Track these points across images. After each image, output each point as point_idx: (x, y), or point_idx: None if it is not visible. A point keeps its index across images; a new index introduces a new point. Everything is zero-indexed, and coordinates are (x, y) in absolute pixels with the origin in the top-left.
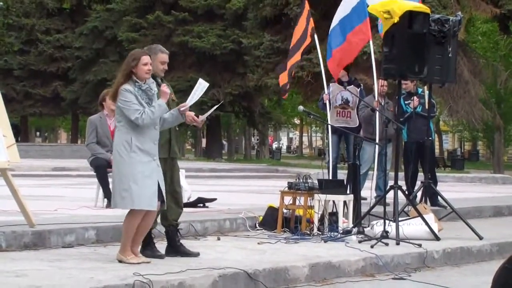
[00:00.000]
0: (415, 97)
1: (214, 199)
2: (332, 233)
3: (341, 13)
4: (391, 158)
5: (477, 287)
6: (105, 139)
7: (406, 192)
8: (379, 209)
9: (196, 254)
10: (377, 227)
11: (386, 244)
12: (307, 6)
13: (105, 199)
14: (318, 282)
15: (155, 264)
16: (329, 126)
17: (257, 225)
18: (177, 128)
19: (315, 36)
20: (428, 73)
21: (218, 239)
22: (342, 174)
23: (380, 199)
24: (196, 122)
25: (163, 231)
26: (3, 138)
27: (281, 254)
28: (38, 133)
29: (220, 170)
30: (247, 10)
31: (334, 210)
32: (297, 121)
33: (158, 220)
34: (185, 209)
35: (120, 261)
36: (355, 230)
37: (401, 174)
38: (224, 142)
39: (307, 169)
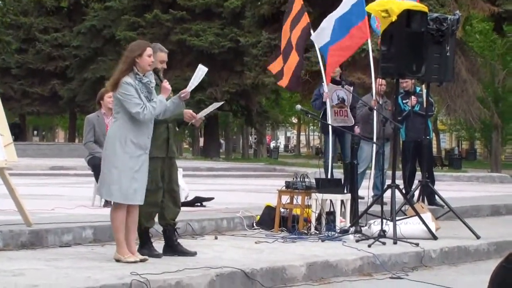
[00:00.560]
0: (412, 96)
1: (212, 198)
2: (330, 232)
3: (339, 10)
4: (389, 157)
5: (475, 286)
6: (103, 138)
7: (404, 191)
8: (376, 208)
9: (193, 254)
10: (375, 226)
11: (384, 243)
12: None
13: (102, 199)
14: (315, 281)
15: (152, 263)
16: (330, 126)
17: (254, 224)
18: (177, 129)
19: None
20: (426, 72)
21: (216, 238)
22: (339, 174)
23: (378, 198)
24: (194, 119)
25: (161, 230)
26: (1, 137)
27: (279, 253)
28: (35, 132)
29: (217, 169)
30: (244, 9)
31: (332, 209)
32: (294, 120)
33: (156, 219)
34: (182, 208)
35: (117, 260)
36: (352, 229)
37: (399, 173)
38: (222, 141)
39: (305, 168)
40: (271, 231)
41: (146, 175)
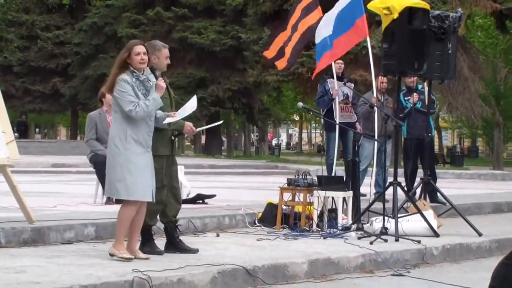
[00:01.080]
0: (414, 93)
1: (213, 196)
2: (331, 229)
3: (338, 7)
4: (391, 155)
5: (476, 283)
6: (105, 136)
7: (405, 189)
8: (378, 205)
9: (195, 251)
10: (376, 224)
11: (385, 241)
12: None
13: (105, 196)
14: (317, 278)
15: (154, 260)
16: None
17: (256, 221)
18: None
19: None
20: (428, 70)
21: (217, 235)
22: (341, 171)
23: (380, 196)
24: (192, 132)
25: (162, 227)
26: (3, 135)
27: (280, 250)
28: (37, 130)
29: (219, 166)
30: (246, 6)
31: (333, 207)
32: (296, 117)
33: (158, 217)
34: (184, 206)
35: (112, 255)
36: (354, 226)
37: (401, 171)
38: (224, 139)
39: (307, 165)
40: (273, 228)
41: (151, 174)
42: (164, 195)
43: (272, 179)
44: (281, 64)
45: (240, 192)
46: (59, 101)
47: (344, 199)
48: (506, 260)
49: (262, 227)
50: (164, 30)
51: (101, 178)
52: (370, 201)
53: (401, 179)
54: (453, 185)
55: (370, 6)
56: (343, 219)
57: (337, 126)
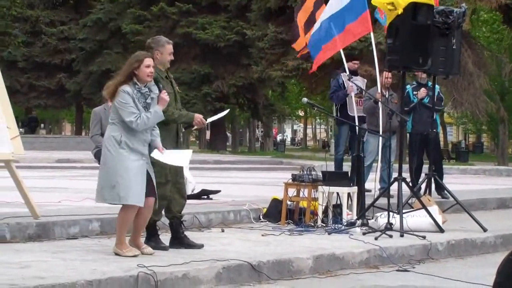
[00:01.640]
0: (422, 89)
1: (218, 191)
2: (336, 225)
3: (335, 6)
4: (395, 150)
5: (481, 279)
6: None
7: (410, 184)
8: (383, 201)
9: (200, 246)
10: (381, 219)
11: (390, 236)
12: None
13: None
14: (322, 274)
15: (159, 255)
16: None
17: (261, 217)
18: (183, 130)
19: None
20: (432, 65)
21: (222, 231)
22: (346, 166)
23: (384, 191)
24: (202, 124)
25: (167, 223)
26: (7, 130)
27: (285, 246)
28: (42, 125)
29: (224, 162)
30: (251, 2)
31: (338, 202)
32: (301, 113)
33: (163, 212)
34: (189, 201)
35: (116, 254)
36: (359, 222)
37: (405, 166)
38: (228, 134)
39: (311, 161)
40: (278, 224)
41: (144, 179)
42: (168, 190)
43: (277, 174)
44: (298, 45)
45: (245, 188)
46: (64, 96)
47: (349, 194)
48: (511, 255)
49: (267, 222)
50: (168, 26)
51: None
52: (375, 197)
53: (406, 175)
54: (458, 180)
55: (374, 1)
56: (348, 214)
57: (348, 118)
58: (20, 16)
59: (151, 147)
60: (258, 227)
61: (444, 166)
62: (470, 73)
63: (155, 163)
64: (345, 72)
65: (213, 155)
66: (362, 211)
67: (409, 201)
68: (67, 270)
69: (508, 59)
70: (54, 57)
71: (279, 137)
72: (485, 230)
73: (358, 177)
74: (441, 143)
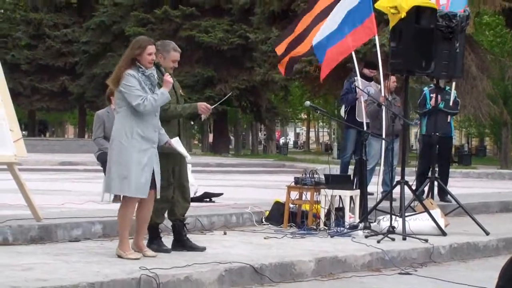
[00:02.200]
0: (434, 95)
1: (221, 194)
2: (339, 228)
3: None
4: (398, 154)
5: (484, 282)
6: None
7: (416, 185)
8: (385, 204)
9: (203, 249)
10: (384, 222)
11: (393, 239)
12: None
13: (111, 194)
14: (324, 276)
15: (161, 258)
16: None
17: (263, 220)
18: (192, 123)
19: None
20: (435, 69)
21: (225, 233)
22: (349, 170)
23: (387, 194)
24: (208, 110)
25: (170, 225)
26: (10, 132)
27: (288, 248)
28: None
29: (227, 165)
30: (254, 5)
31: (341, 205)
32: (304, 116)
33: (166, 214)
34: (191, 204)
35: (119, 256)
36: (361, 225)
37: (408, 169)
38: (231, 137)
39: (314, 164)
40: (280, 227)
41: (151, 170)
42: (171, 193)
43: (280, 177)
44: (280, 67)
45: (247, 191)
46: (67, 99)
47: (351, 197)
48: None
49: (269, 225)
50: (171, 29)
51: None
52: (378, 200)
53: (409, 178)
54: (460, 184)
55: (377, 5)
56: (350, 217)
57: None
58: (23, 19)
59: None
60: (261, 230)
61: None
62: (473, 77)
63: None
64: (359, 76)
65: (216, 158)
66: (365, 214)
67: (412, 205)
68: (69, 273)
69: (511, 62)
70: (57, 60)
71: (281, 140)
72: (487, 233)
73: (360, 180)
74: None
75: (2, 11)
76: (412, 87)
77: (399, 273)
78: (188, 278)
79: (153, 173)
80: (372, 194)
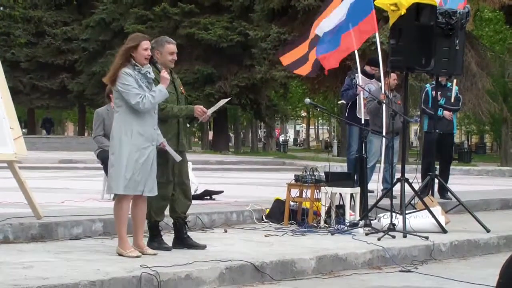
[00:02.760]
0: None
1: (221, 192)
2: (339, 225)
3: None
4: (398, 151)
5: (484, 279)
6: None
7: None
8: (386, 201)
9: (203, 247)
10: (384, 220)
11: (393, 237)
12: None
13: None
14: (325, 274)
15: (162, 256)
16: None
17: (264, 217)
18: (188, 125)
19: None
20: (435, 66)
21: (225, 231)
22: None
23: (387, 192)
24: (205, 114)
25: (171, 223)
26: (10, 130)
27: (288, 246)
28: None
29: (227, 162)
30: (254, 2)
31: (341, 203)
32: (303, 113)
33: (166, 212)
34: (192, 202)
35: (120, 255)
36: (362, 222)
37: (408, 167)
38: (231, 135)
39: (314, 161)
40: (281, 224)
41: (153, 167)
42: (170, 191)
43: (280, 175)
44: (304, 70)
45: (247, 188)
46: (67, 97)
47: (351, 195)
48: None
49: (270, 223)
50: (171, 26)
51: None
52: (378, 198)
53: (409, 175)
54: (461, 181)
55: (377, 2)
56: (351, 215)
57: (360, 120)
58: (23, 17)
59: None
60: (261, 228)
61: None
62: (473, 74)
63: (158, 162)
64: (360, 72)
65: (216, 156)
66: (365, 211)
67: (412, 202)
68: (70, 271)
69: (511, 59)
70: (57, 57)
71: (281, 138)
72: (488, 230)
73: (361, 177)
74: None
75: (1, 8)
76: (412, 84)
77: (400, 271)
78: (189, 276)
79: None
80: (372, 191)
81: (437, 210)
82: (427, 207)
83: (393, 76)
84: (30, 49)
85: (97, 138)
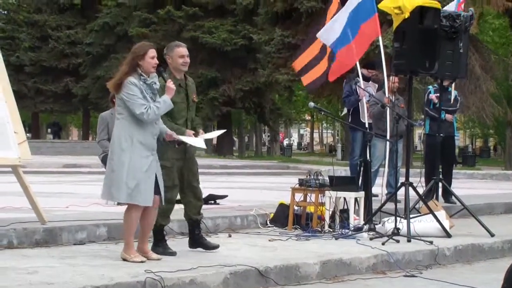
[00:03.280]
0: (434, 96)
1: (225, 196)
2: (343, 230)
3: (348, 8)
4: (402, 154)
5: (489, 284)
6: None
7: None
8: (390, 206)
9: (216, 246)
10: (388, 224)
11: (397, 241)
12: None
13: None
14: (329, 279)
15: (166, 261)
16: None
17: (268, 222)
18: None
19: None
20: (439, 69)
21: (229, 236)
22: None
23: (391, 196)
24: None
25: (174, 227)
26: (15, 135)
27: (292, 251)
28: (49, 130)
29: (231, 167)
30: (257, 6)
31: (345, 207)
32: (308, 117)
33: (176, 216)
34: (203, 202)
35: (124, 259)
36: (366, 227)
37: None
38: (235, 139)
39: (318, 165)
40: (285, 229)
41: (153, 177)
42: (175, 194)
43: (284, 179)
44: (306, 80)
45: (251, 193)
46: (71, 101)
47: (356, 199)
48: None
49: (274, 227)
50: (175, 30)
51: None
52: (382, 202)
53: (413, 179)
54: (465, 185)
55: (381, 5)
56: (355, 219)
57: (364, 124)
58: (27, 21)
59: (160, 134)
60: (265, 232)
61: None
62: (477, 77)
63: (163, 165)
64: (358, 77)
65: (220, 160)
66: (369, 216)
67: (416, 206)
68: (74, 276)
69: None
70: (61, 61)
71: (285, 142)
72: (492, 235)
73: (365, 182)
74: None
75: (5, 12)
76: (416, 88)
77: (404, 276)
78: (193, 281)
79: (156, 180)
80: (376, 195)
81: (441, 214)
82: (431, 211)
83: (393, 79)
84: (34, 53)
85: (102, 142)
